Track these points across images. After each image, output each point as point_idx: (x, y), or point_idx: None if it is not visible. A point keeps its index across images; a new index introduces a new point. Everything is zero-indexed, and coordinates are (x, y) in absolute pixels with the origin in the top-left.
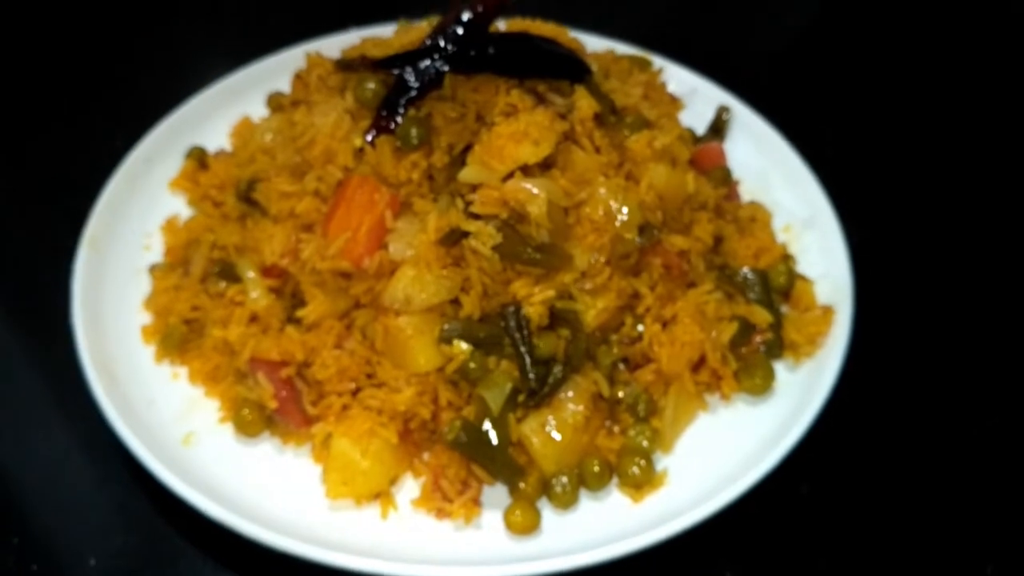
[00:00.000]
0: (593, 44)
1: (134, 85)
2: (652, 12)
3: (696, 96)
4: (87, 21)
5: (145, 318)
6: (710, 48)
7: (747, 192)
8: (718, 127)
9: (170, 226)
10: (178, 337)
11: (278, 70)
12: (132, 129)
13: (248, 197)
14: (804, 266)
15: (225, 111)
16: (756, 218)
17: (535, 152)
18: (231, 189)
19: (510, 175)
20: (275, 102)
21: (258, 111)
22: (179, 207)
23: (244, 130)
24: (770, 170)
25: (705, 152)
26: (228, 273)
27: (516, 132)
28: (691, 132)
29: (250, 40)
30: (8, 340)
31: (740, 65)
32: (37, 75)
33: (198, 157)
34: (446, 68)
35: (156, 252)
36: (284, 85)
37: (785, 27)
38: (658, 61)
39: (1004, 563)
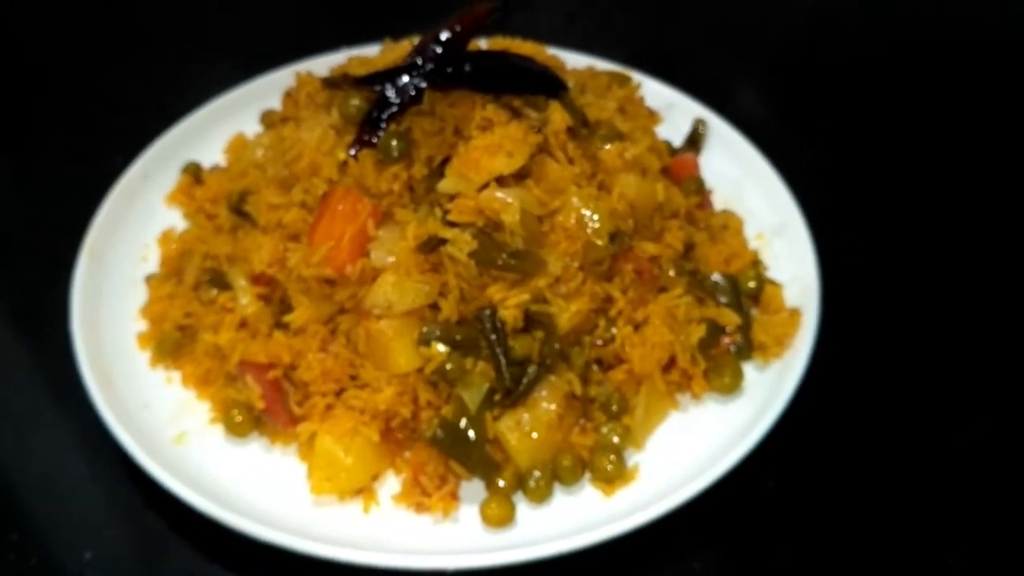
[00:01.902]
0: (574, 61)
1: (134, 104)
2: (632, 31)
3: (674, 110)
4: (88, 43)
5: (141, 325)
6: (688, 63)
7: (721, 201)
8: (694, 139)
9: (166, 238)
10: (171, 343)
11: (271, 89)
12: (131, 146)
13: (239, 209)
14: (774, 271)
15: (220, 128)
16: (728, 226)
17: (509, 163)
18: (224, 202)
19: (486, 185)
20: (268, 119)
21: (252, 128)
22: (175, 220)
23: (238, 146)
24: (744, 180)
25: (679, 163)
26: (219, 281)
27: (491, 145)
28: (667, 144)
29: (245, 61)
30: (9, 345)
31: (716, 80)
32: (42, 96)
33: (193, 172)
34: (424, 85)
35: (152, 263)
36: (277, 103)
37: (758, 42)
38: (637, 77)
39: (964, 556)
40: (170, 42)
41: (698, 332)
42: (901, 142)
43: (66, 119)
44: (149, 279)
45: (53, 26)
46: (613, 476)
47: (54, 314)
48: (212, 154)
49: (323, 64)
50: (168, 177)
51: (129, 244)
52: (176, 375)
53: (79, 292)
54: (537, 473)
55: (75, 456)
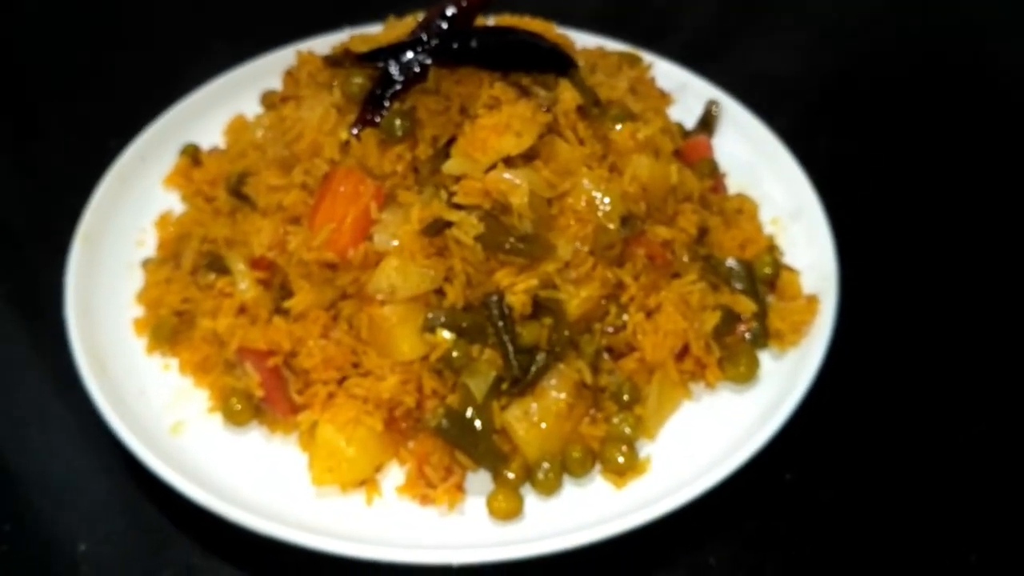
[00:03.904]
0: (584, 41)
1: (133, 85)
2: (647, 10)
3: (687, 91)
4: (84, 21)
5: (137, 311)
6: (700, 43)
7: (735, 185)
8: (707, 121)
9: (163, 221)
10: (168, 328)
11: (272, 69)
12: (129, 128)
13: (238, 191)
14: (791, 257)
15: (220, 109)
16: (743, 210)
17: (517, 144)
18: (223, 184)
19: (493, 166)
20: (268, 99)
21: (252, 109)
22: (173, 203)
23: (237, 127)
24: (759, 163)
25: (692, 145)
26: (218, 265)
27: (498, 124)
28: (680, 126)
29: (246, 40)
30: (4, 332)
31: (731, 60)
32: (36, 76)
33: (192, 154)
34: (428, 61)
35: (149, 247)
36: (278, 83)
37: (776, 26)
38: (648, 57)
39: (988, 552)
40: (170, 21)
41: (712, 319)
42: (921, 127)
43: (63, 101)
44: (146, 263)
45: (49, 6)
46: (624, 468)
47: (50, 300)
48: (212, 136)
49: (325, 43)
50: (166, 159)
51: (125, 228)
52: (173, 362)
53: (73, 278)
54: (546, 465)
55: (71, 445)
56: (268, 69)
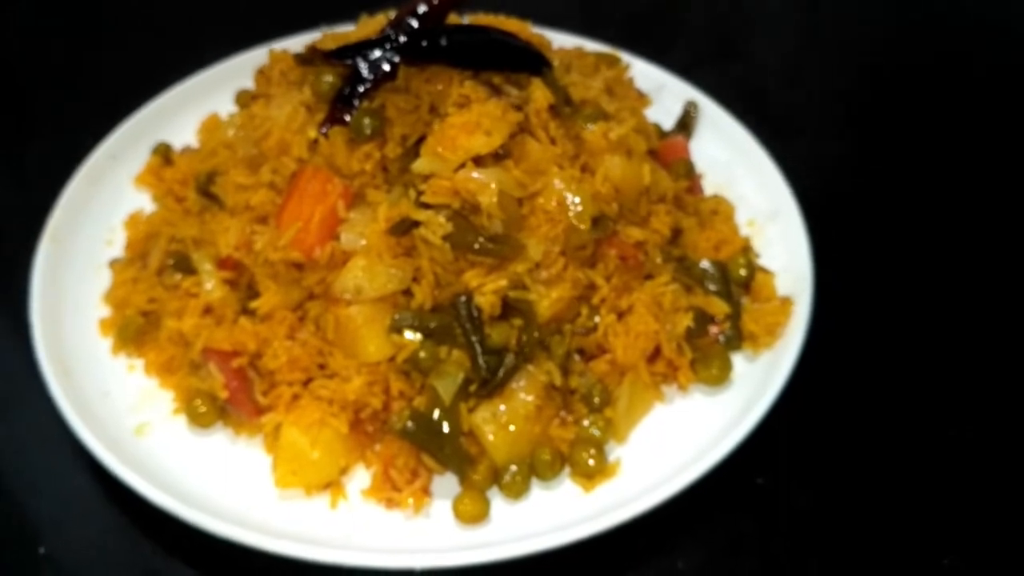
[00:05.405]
0: (562, 41)
1: (113, 81)
2: (625, 10)
3: (665, 92)
4: (64, 17)
5: (104, 311)
6: (682, 45)
7: (712, 186)
8: (685, 122)
9: (133, 221)
10: (134, 329)
11: (247, 68)
12: (108, 125)
13: (207, 191)
14: (767, 259)
15: (194, 108)
16: (718, 211)
17: (487, 143)
18: (193, 183)
19: (462, 165)
20: (242, 99)
21: (227, 108)
22: (144, 203)
23: (210, 126)
24: (736, 165)
25: (668, 146)
26: (184, 265)
27: (468, 123)
28: (657, 127)
29: (223, 39)
30: None
31: (712, 62)
32: (15, 72)
33: (163, 153)
34: (397, 59)
35: (118, 247)
36: (252, 82)
37: (755, 28)
38: (627, 58)
39: (961, 556)
40: (155, 17)
41: (685, 321)
42: (899, 129)
43: (42, 97)
44: (113, 263)
45: (23, 7)
46: (593, 471)
47: (17, 299)
48: (185, 135)
49: (301, 42)
50: (138, 158)
51: (94, 227)
52: (139, 363)
53: (39, 277)
54: (514, 467)
55: (33, 446)
56: (243, 68)
